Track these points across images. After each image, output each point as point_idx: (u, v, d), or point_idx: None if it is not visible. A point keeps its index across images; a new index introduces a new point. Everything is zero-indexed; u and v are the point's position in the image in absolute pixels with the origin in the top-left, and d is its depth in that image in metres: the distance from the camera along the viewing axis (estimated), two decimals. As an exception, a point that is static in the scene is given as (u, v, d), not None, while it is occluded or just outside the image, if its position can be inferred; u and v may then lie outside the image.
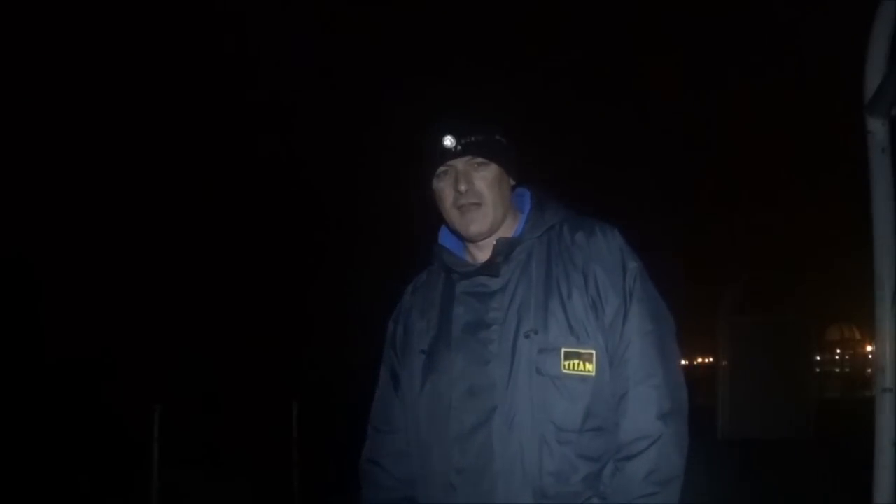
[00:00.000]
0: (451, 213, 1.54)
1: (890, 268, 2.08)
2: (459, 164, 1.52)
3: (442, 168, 1.53)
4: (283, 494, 6.74)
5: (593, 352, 1.44)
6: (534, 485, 1.41)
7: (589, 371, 1.43)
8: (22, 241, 14.05)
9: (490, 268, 1.52)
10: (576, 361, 1.43)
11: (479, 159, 1.52)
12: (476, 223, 1.52)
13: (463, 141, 1.50)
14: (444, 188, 1.54)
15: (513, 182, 1.60)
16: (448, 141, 1.49)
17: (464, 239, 1.58)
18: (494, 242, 1.53)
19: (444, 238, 1.63)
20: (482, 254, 1.57)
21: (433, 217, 1.61)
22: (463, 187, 1.51)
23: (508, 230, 1.57)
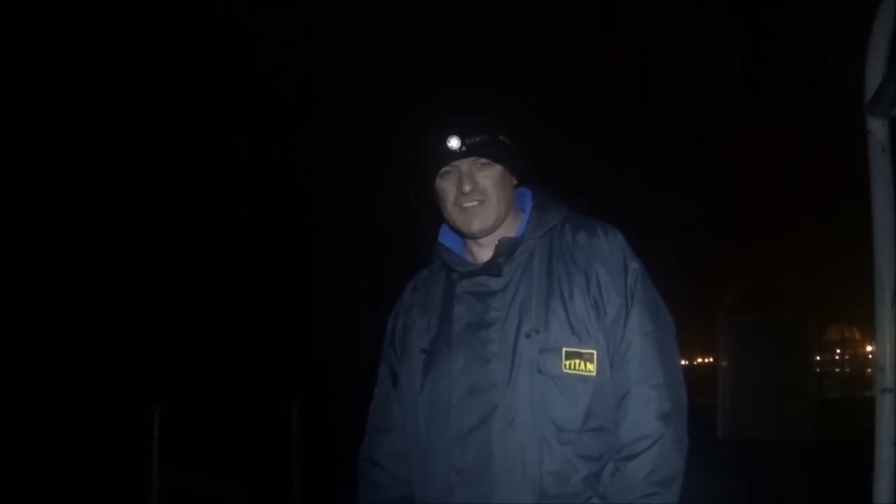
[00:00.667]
0: (453, 212, 1.54)
1: (890, 268, 2.08)
2: (463, 164, 1.52)
3: (445, 168, 1.53)
4: (283, 494, 6.74)
5: (594, 352, 1.44)
6: (534, 485, 1.41)
7: (590, 371, 1.43)
8: (26, 239, 14.06)
9: (492, 267, 1.52)
10: (577, 361, 1.44)
11: (483, 160, 1.52)
12: (478, 220, 1.52)
13: (467, 142, 1.50)
14: (447, 188, 1.54)
15: (515, 182, 1.60)
16: (453, 142, 1.49)
17: (465, 237, 1.59)
18: (496, 242, 1.54)
19: (445, 237, 1.63)
20: (483, 252, 1.57)
21: (434, 216, 1.61)
22: (467, 188, 1.51)
23: (510, 230, 1.57)
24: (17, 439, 8.99)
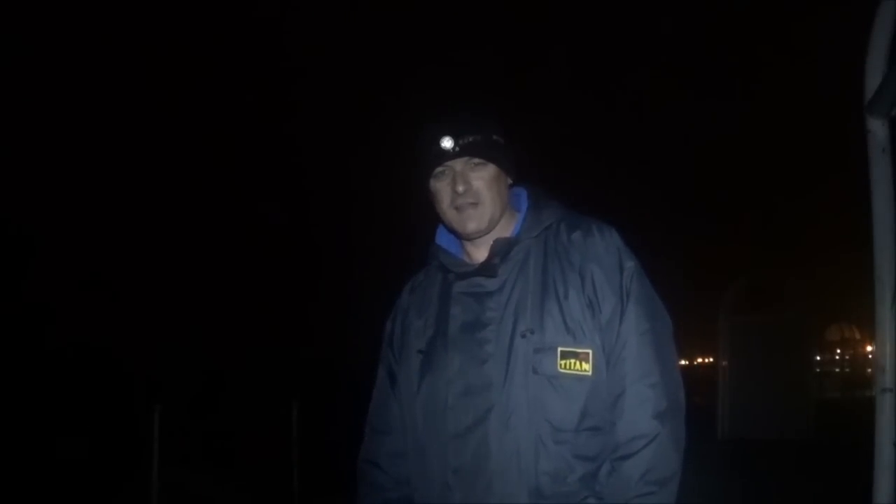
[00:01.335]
0: (449, 213, 1.54)
1: (890, 268, 2.07)
2: (457, 164, 1.51)
3: (439, 168, 1.52)
4: (283, 494, 6.74)
5: (590, 351, 1.44)
6: (530, 484, 1.41)
7: (585, 370, 1.43)
8: (25, 239, 14.06)
9: (487, 268, 1.52)
10: (572, 361, 1.43)
11: (477, 160, 1.51)
12: (473, 221, 1.52)
13: (461, 142, 1.49)
14: (442, 188, 1.53)
15: (510, 181, 1.59)
16: (446, 142, 1.49)
17: (461, 237, 1.58)
18: (492, 242, 1.53)
19: (441, 237, 1.63)
20: (479, 253, 1.57)
21: (431, 216, 1.61)
22: (461, 188, 1.51)
23: (505, 230, 1.57)
24: (17, 439, 8.99)
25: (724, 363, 10.98)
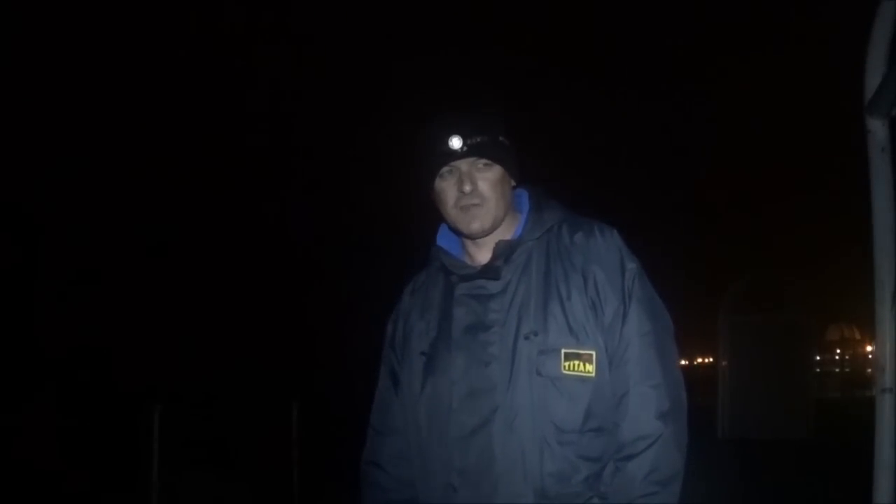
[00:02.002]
0: (452, 213, 1.54)
1: (890, 268, 2.07)
2: (463, 164, 1.51)
3: (445, 168, 1.52)
4: (283, 494, 6.74)
5: (593, 352, 1.44)
6: (535, 485, 1.41)
7: (589, 372, 1.43)
8: (26, 238, 14.07)
9: (490, 270, 1.52)
10: (576, 362, 1.43)
11: (484, 161, 1.51)
12: (478, 220, 1.52)
13: (468, 142, 1.49)
14: (447, 188, 1.53)
15: (513, 183, 1.60)
16: (455, 142, 1.49)
17: (463, 237, 1.58)
18: (494, 244, 1.54)
19: (443, 238, 1.63)
20: (481, 254, 1.57)
21: (432, 216, 1.61)
22: (467, 188, 1.50)
23: (507, 231, 1.57)
24: (17, 438, 8.98)
25: (724, 363, 10.99)
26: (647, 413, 1.42)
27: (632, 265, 1.50)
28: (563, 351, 1.43)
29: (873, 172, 2.09)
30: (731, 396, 10.59)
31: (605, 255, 1.50)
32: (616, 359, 1.45)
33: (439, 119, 1.53)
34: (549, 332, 1.45)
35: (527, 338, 1.45)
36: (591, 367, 1.43)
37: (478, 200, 1.51)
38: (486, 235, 1.55)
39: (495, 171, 1.52)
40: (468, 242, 1.59)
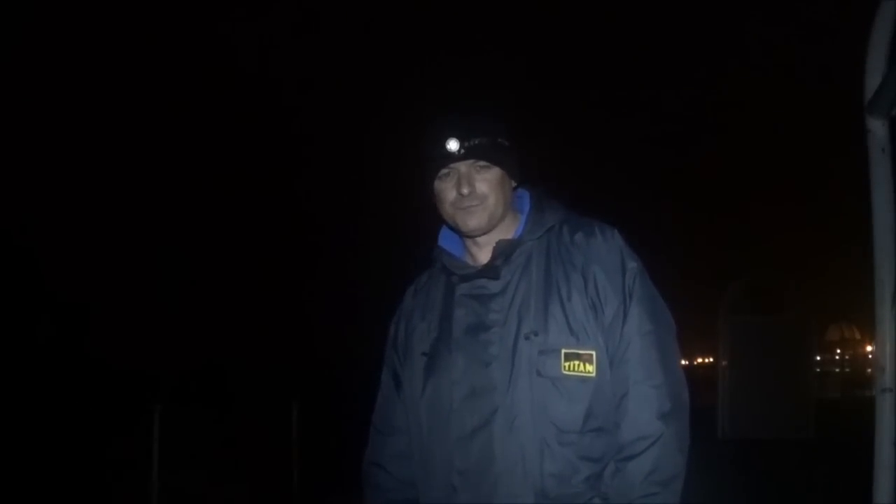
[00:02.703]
0: (450, 212, 1.54)
1: (890, 268, 2.07)
2: (462, 166, 1.51)
3: (444, 170, 1.52)
4: (283, 494, 6.74)
5: (593, 352, 1.44)
6: (535, 486, 1.41)
7: (589, 372, 1.43)
8: (29, 239, 14.09)
9: (490, 270, 1.52)
10: (576, 362, 1.44)
11: (482, 163, 1.51)
12: (475, 217, 1.52)
13: (467, 144, 1.49)
14: (446, 190, 1.53)
15: (514, 183, 1.60)
16: (453, 144, 1.49)
17: (462, 235, 1.58)
18: (494, 244, 1.54)
19: (444, 239, 1.63)
20: (482, 254, 1.57)
21: (433, 217, 1.61)
22: (466, 190, 1.51)
23: (508, 231, 1.57)
24: (17, 438, 8.98)
25: (724, 363, 10.97)
26: (648, 413, 1.42)
27: (633, 264, 1.50)
28: (563, 351, 1.43)
29: (873, 172, 2.09)
30: (731, 396, 10.56)
31: (605, 255, 1.50)
32: (617, 358, 1.45)
33: (438, 122, 1.53)
34: (549, 332, 1.45)
35: (527, 338, 1.45)
36: (591, 368, 1.43)
37: (476, 202, 1.51)
38: (485, 234, 1.55)
39: (494, 173, 1.53)
40: (469, 243, 1.59)
